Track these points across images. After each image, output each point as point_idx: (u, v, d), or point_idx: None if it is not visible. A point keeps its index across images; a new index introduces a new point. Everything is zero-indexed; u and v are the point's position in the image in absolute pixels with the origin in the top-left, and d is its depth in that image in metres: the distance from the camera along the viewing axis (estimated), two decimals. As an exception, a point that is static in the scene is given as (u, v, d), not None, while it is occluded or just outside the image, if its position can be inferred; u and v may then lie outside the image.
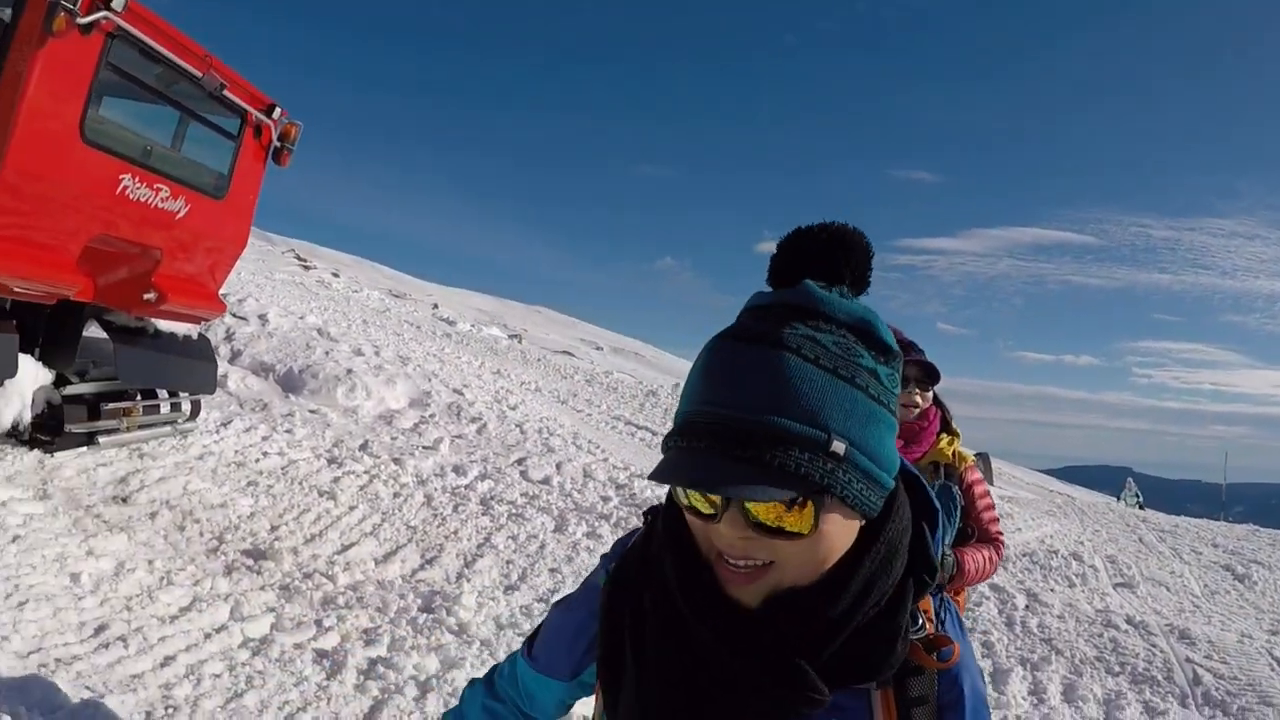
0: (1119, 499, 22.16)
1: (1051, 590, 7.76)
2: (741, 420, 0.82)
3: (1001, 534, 3.15)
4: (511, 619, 4.78)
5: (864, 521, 0.91)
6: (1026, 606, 7.01)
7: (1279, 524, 17.14)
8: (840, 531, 0.88)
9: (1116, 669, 5.91)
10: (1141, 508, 21.04)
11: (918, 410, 3.02)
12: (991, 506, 3.16)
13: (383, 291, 22.83)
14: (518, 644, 4.31)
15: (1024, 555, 9.13)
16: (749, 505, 0.84)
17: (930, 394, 3.09)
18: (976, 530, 3.05)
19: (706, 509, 0.88)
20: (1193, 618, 7.67)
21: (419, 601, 4.72)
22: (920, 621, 0.96)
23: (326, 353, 9.94)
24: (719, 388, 0.84)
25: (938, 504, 1.01)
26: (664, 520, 0.99)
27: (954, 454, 3.11)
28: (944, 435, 3.16)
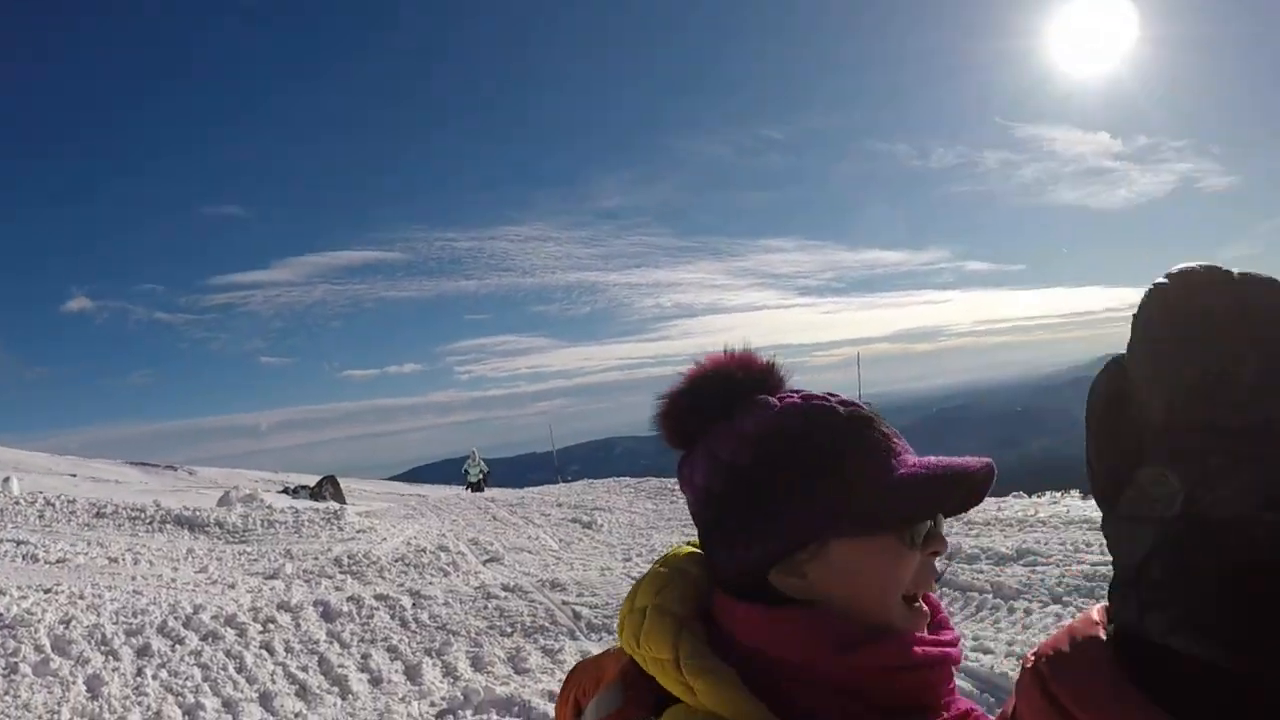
0: (464, 472, 22.28)
1: (430, 584, 7.58)
2: None
3: None
4: None
5: None
6: (414, 604, 7.55)
7: (606, 473, 19.81)
8: None
9: (509, 630, 6.16)
10: (485, 478, 21.54)
11: None
12: None
13: None
14: None
15: (397, 560, 8.80)
16: None
17: None
18: None
19: None
20: (558, 569, 8.26)
21: None
22: None
23: None
24: None
25: None
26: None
27: None
28: None
